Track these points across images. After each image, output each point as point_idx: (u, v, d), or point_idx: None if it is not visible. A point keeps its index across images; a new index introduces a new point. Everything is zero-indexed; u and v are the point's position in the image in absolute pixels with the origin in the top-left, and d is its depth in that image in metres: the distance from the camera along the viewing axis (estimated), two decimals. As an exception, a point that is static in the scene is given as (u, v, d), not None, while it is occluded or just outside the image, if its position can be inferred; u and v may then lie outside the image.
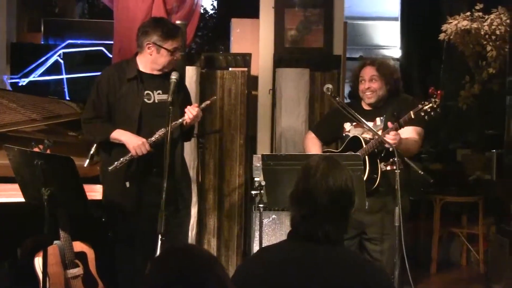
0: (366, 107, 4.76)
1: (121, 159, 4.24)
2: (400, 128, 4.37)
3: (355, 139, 4.61)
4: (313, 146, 4.83)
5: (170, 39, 4.35)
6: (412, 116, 4.37)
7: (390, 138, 4.31)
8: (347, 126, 4.76)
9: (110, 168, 4.23)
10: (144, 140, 4.26)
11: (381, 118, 4.67)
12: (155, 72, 4.41)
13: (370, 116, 4.69)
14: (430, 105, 4.35)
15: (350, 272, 2.55)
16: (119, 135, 4.33)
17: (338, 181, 2.63)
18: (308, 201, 2.62)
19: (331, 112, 5.11)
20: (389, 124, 4.43)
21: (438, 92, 4.36)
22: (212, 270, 1.89)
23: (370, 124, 4.65)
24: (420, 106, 4.38)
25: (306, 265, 2.54)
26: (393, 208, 4.29)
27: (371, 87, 4.66)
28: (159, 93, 4.35)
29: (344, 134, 4.77)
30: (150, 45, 4.35)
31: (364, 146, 4.50)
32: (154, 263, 1.95)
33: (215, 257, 1.96)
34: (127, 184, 4.37)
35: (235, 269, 5.49)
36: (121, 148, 4.32)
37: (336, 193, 2.61)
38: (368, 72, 4.70)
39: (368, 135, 4.64)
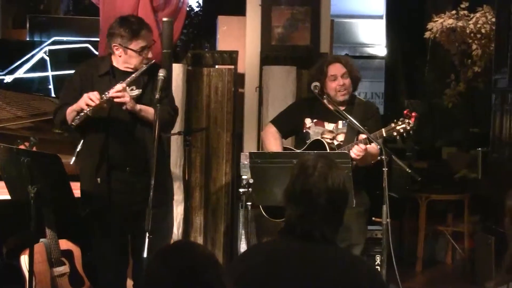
0: (330, 107, 4.74)
1: (80, 114, 4.12)
2: (368, 143, 4.39)
3: (318, 142, 4.61)
4: (274, 140, 4.80)
5: (134, 39, 4.27)
6: (384, 134, 4.40)
7: (355, 152, 4.34)
8: (308, 122, 4.77)
9: (72, 123, 4.13)
10: (91, 92, 4.14)
11: (343, 121, 4.67)
12: (129, 70, 4.34)
13: (333, 117, 4.69)
14: (403, 126, 4.36)
15: (344, 272, 2.55)
16: (71, 106, 4.21)
17: (336, 181, 2.63)
18: (306, 201, 2.61)
19: (293, 106, 5.09)
20: (360, 136, 4.44)
21: (413, 114, 4.37)
22: (210, 267, 1.90)
23: (332, 125, 4.67)
24: (392, 125, 4.40)
25: (301, 264, 2.54)
26: (358, 208, 4.30)
27: (345, 84, 4.67)
28: (132, 89, 4.28)
29: (304, 130, 4.77)
30: (117, 47, 4.30)
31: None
32: (152, 261, 1.95)
33: (213, 254, 1.97)
34: (98, 180, 4.29)
35: (224, 266, 5.48)
36: (94, 140, 4.29)
37: (334, 193, 2.61)
38: (340, 69, 4.70)
39: (328, 136, 4.66)
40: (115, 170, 4.31)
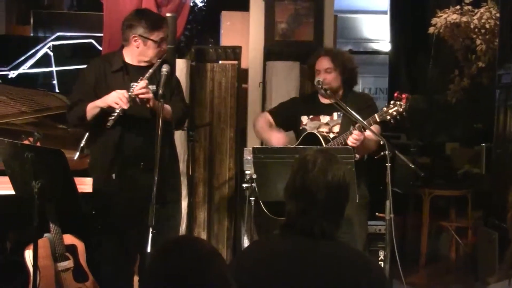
0: (323, 101, 4.76)
1: (112, 115, 4.11)
2: (363, 131, 4.38)
3: (312, 136, 4.61)
4: (266, 125, 4.83)
5: (156, 30, 4.29)
6: (377, 119, 4.39)
7: (352, 140, 4.33)
8: (304, 119, 4.79)
9: (108, 124, 4.10)
10: (118, 90, 4.15)
11: (338, 113, 4.69)
12: (142, 64, 4.35)
13: (327, 110, 4.71)
14: (396, 108, 4.35)
15: (345, 266, 2.56)
16: (94, 102, 4.22)
17: (336, 176, 2.63)
18: (306, 196, 2.61)
19: (290, 102, 5.07)
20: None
21: (403, 96, 4.37)
22: (214, 262, 1.90)
23: (327, 118, 4.68)
24: (385, 109, 4.39)
25: (302, 259, 2.55)
26: (359, 201, 4.32)
27: (326, 79, 4.67)
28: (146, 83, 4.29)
29: (301, 128, 4.79)
30: (136, 38, 4.29)
31: (323, 145, 4.50)
32: (155, 255, 1.95)
33: (216, 249, 1.97)
34: (113, 176, 4.32)
35: (227, 262, 5.50)
36: (109, 136, 4.28)
37: (334, 188, 2.62)
38: (324, 63, 4.72)
39: (324, 129, 4.67)
40: (130, 165, 4.32)
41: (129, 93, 4.12)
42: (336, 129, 4.68)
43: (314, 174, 2.62)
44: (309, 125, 4.75)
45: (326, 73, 4.69)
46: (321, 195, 2.59)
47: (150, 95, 4.15)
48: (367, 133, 4.42)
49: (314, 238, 2.58)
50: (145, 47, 4.31)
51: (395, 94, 4.40)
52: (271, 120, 4.89)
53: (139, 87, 4.13)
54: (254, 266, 2.59)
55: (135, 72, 4.32)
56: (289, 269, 2.53)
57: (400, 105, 4.35)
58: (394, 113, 4.36)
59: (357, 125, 4.38)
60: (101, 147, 4.37)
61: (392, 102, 4.39)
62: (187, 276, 1.85)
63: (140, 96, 4.13)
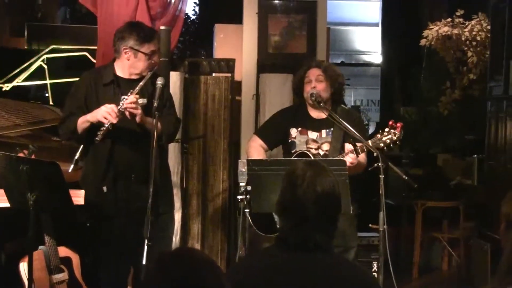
0: (313, 114, 4.78)
1: (101, 129, 4.12)
2: (357, 155, 4.41)
3: (303, 155, 4.63)
4: (258, 157, 4.77)
5: (146, 42, 4.32)
6: (370, 145, 4.41)
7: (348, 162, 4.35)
8: (293, 132, 4.79)
9: (96, 138, 4.12)
10: (107, 105, 4.16)
11: (327, 130, 4.70)
12: (133, 77, 4.37)
13: (316, 126, 4.72)
14: (389, 136, 4.38)
15: (340, 279, 2.55)
16: (84, 116, 4.24)
17: (326, 188, 2.61)
18: (297, 211, 2.60)
19: (278, 116, 5.05)
20: (347, 147, 4.46)
21: (398, 124, 4.39)
22: (211, 271, 1.91)
23: (315, 134, 4.69)
24: (378, 136, 4.42)
25: (297, 273, 2.55)
26: (352, 213, 4.35)
27: (316, 87, 4.68)
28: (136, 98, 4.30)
29: (290, 140, 4.80)
30: (127, 50, 4.32)
31: None
32: (152, 267, 1.96)
33: (212, 259, 1.98)
34: (104, 188, 4.33)
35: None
36: (99, 148, 4.30)
37: (324, 199, 2.60)
38: (315, 72, 4.74)
39: (313, 146, 4.68)
40: (121, 178, 4.34)
41: (119, 107, 4.14)
42: (325, 147, 4.70)
43: (303, 189, 2.60)
44: (298, 138, 4.76)
45: (316, 82, 4.70)
46: (312, 209, 2.58)
47: (139, 111, 4.17)
48: (359, 157, 4.46)
49: (309, 252, 2.57)
50: (135, 59, 4.33)
51: (390, 122, 4.42)
52: (262, 143, 4.89)
53: (129, 101, 4.15)
54: (249, 279, 2.59)
55: (126, 85, 4.33)
56: (284, 282, 2.53)
57: (394, 134, 4.38)
58: (388, 141, 4.39)
59: (349, 149, 4.41)
60: (93, 159, 4.39)
61: (386, 130, 4.41)
62: (185, 286, 1.86)
63: (129, 110, 4.15)
